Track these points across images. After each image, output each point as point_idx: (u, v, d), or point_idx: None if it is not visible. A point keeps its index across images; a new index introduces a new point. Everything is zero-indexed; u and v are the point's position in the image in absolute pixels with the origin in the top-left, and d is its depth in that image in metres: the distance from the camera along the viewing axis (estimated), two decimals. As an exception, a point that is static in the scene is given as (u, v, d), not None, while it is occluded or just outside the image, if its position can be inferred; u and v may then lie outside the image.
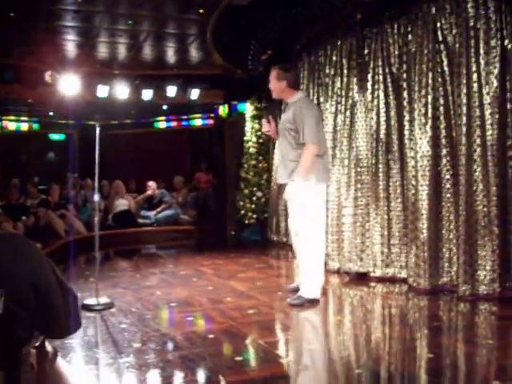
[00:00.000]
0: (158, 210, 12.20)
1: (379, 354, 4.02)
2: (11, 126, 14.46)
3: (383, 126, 6.31)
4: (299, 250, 5.45)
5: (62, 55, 9.98)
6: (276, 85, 5.41)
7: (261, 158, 10.53)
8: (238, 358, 3.80)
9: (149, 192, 12.63)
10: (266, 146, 10.41)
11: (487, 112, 5.14)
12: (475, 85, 5.19)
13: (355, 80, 6.68)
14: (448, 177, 5.61)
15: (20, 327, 1.70)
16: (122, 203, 11.66)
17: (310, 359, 4.01)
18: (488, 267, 5.13)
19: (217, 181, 12.65)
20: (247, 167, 10.63)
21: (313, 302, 5.27)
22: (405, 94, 6.05)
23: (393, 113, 6.25)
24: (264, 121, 5.79)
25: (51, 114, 14.32)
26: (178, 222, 12.21)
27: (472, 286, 5.17)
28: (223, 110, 12.41)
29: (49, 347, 1.99)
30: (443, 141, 5.62)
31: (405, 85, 6.07)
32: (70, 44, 9.48)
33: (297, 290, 5.44)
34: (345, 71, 6.86)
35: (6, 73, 9.66)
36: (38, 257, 1.80)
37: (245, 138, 10.80)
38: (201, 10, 7.94)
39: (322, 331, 4.77)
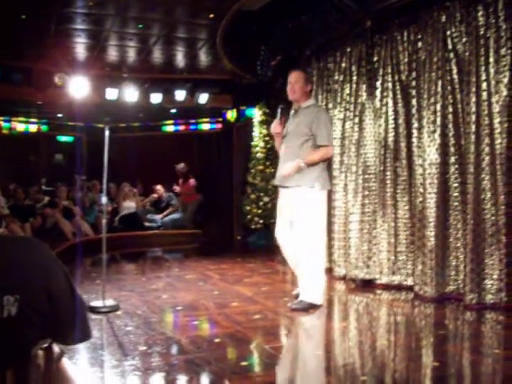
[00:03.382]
0: (165, 213, 12.25)
1: (384, 362, 4.01)
2: (20, 127, 14.49)
3: (391, 133, 6.31)
4: (299, 255, 5.34)
5: (72, 58, 10.01)
6: (301, 87, 5.40)
7: (268, 163, 10.51)
8: (244, 363, 3.79)
9: (154, 195, 12.68)
10: (273, 152, 10.40)
11: (496, 121, 5.13)
12: (484, 93, 5.18)
13: (364, 87, 6.68)
14: (456, 185, 5.60)
15: (31, 329, 1.70)
16: (129, 206, 11.70)
17: (315, 365, 4.00)
18: (495, 276, 5.12)
19: (224, 185, 12.64)
20: (254, 172, 10.63)
21: (315, 307, 5.28)
22: (414, 102, 6.05)
23: (401, 120, 6.25)
24: (277, 121, 5.47)
25: (60, 116, 14.37)
26: (184, 225, 12.23)
27: (479, 295, 5.16)
28: (231, 115, 12.43)
29: (56, 349, 1.99)
30: (452, 149, 5.62)
31: (414, 92, 6.07)
32: (80, 47, 9.51)
33: (299, 295, 5.44)
34: (354, 78, 6.86)
35: (16, 75, 9.70)
36: (51, 261, 1.80)
37: (252, 143, 10.81)
38: (211, 15, 7.96)
39: (328, 337, 4.76)
